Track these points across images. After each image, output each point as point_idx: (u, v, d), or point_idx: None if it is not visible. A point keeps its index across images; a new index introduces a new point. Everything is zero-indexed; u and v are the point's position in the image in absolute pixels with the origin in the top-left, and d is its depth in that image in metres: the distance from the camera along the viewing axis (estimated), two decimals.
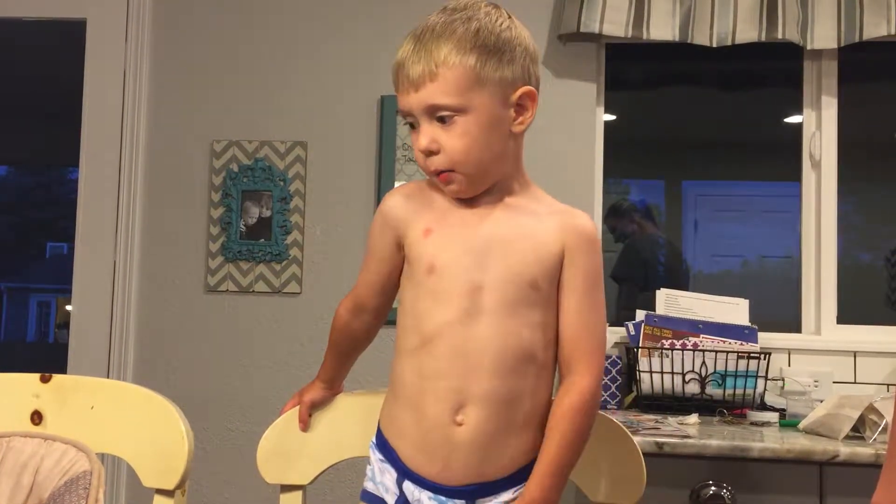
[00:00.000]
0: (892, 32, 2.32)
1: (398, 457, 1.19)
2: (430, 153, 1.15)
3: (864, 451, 1.73)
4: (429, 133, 1.15)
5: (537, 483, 1.14)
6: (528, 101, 1.17)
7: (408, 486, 1.18)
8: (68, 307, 2.77)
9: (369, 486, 1.25)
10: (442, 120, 1.14)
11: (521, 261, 1.16)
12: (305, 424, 1.35)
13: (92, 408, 1.27)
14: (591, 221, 1.21)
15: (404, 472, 1.19)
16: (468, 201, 1.20)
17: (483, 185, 1.19)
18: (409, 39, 1.16)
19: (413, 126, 1.17)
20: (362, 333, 1.33)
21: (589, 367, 1.18)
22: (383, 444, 1.23)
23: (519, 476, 1.17)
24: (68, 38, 2.78)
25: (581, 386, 1.17)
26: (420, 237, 1.19)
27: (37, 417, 1.27)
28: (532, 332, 1.16)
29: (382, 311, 1.31)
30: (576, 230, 1.19)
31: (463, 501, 1.16)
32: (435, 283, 1.16)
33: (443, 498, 1.16)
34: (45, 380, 1.29)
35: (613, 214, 2.86)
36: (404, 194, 1.24)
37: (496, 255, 1.16)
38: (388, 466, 1.21)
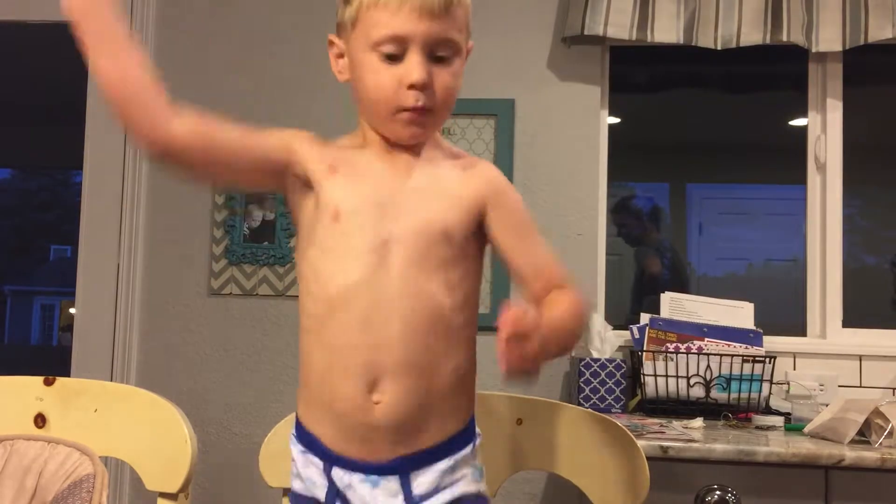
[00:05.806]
0: None
1: (321, 442, 1.11)
2: (424, 87, 1.08)
3: (869, 456, 1.72)
4: (426, 67, 1.08)
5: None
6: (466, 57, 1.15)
7: (336, 473, 1.10)
8: (72, 310, 2.77)
9: (296, 485, 1.14)
10: (439, 59, 1.09)
11: (432, 209, 1.10)
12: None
13: (95, 411, 1.27)
14: (494, 167, 1.18)
15: (331, 459, 1.11)
16: (377, 150, 1.15)
17: (435, 131, 1.16)
18: None
19: (391, 57, 1.09)
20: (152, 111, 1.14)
21: (571, 284, 1.11)
22: (303, 434, 1.14)
23: (452, 445, 1.11)
24: (72, 41, 2.77)
25: (573, 292, 1.09)
26: (325, 172, 1.12)
27: (40, 420, 1.27)
28: (443, 290, 1.08)
29: (196, 146, 1.18)
30: (488, 177, 1.14)
31: (397, 477, 1.08)
32: (340, 234, 1.09)
33: (375, 477, 1.08)
34: (48, 382, 1.29)
35: (621, 209, 2.84)
36: (313, 135, 1.17)
37: (406, 204, 1.10)
38: (312, 457, 1.12)
